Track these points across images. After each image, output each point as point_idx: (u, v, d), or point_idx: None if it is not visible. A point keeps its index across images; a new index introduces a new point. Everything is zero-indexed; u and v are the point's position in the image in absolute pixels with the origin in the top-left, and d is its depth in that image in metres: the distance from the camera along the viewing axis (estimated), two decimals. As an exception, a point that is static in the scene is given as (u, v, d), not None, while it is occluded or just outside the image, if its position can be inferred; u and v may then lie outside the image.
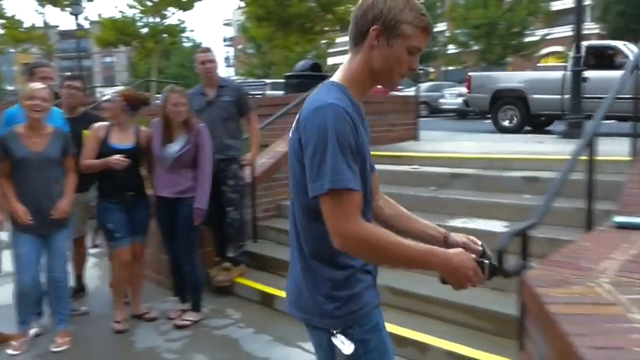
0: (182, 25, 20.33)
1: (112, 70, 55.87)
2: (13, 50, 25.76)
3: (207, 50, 4.24)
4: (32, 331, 3.51)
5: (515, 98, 9.80)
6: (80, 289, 4.31)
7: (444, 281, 1.37)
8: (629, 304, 1.59)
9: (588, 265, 1.99)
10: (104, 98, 3.72)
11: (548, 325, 1.55)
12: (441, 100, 17.69)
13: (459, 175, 4.75)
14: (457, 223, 4.03)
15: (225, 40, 60.38)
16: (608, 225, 2.66)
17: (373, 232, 1.30)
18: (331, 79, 1.44)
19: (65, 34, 40.68)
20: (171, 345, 3.42)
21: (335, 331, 1.42)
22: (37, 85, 3.36)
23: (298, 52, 15.54)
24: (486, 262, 1.39)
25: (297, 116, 1.39)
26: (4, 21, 22.03)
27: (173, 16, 19.48)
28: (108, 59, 56.64)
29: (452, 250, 1.37)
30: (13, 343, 3.35)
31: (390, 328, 3.16)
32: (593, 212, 3.03)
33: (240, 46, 41.97)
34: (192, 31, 22.96)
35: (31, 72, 3.70)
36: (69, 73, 4.71)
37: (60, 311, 3.45)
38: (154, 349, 3.36)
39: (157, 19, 19.05)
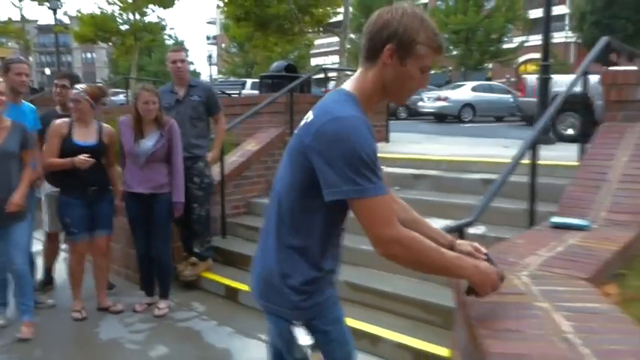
0: (162, 23, 20.27)
1: (92, 66, 55.24)
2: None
3: (179, 49, 4.34)
4: None
5: (578, 104, 8.52)
6: (48, 282, 4.38)
7: (468, 292, 1.45)
8: (538, 293, 1.76)
9: (515, 260, 2.17)
10: (72, 97, 3.74)
11: (463, 312, 1.71)
12: (420, 104, 17.93)
13: (420, 176, 4.92)
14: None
15: (208, 38, 60.19)
16: (545, 225, 2.85)
17: (413, 237, 1.34)
18: (345, 88, 1.45)
19: (44, 29, 40.12)
20: (135, 336, 3.52)
21: (298, 322, 1.48)
22: None
23: (279, 53, 15.67)
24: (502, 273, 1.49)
25: (307, 120, 1.42)
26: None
27: (153, 13, 19.42)
28: (88, 55, 55.99)
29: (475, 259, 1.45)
30: None
31: (346, 321, 3.36)
32: (535, 213, 3.22)
33: (223, 45, 41.92)
34: (172, 28, 23.11)
35: (6, 67, 3.76)
36: (65, 71, 4.74)
37: (24, 302, 3.52)
38: (117, 340, 3.46)
39: (137, 17, 18.99)
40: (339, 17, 11.54)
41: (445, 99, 17.00)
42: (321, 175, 1.34)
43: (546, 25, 7.71)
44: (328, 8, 11.59)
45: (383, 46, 1.38)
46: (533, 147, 3.18)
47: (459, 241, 1.63)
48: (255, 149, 5.63)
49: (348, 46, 34.68)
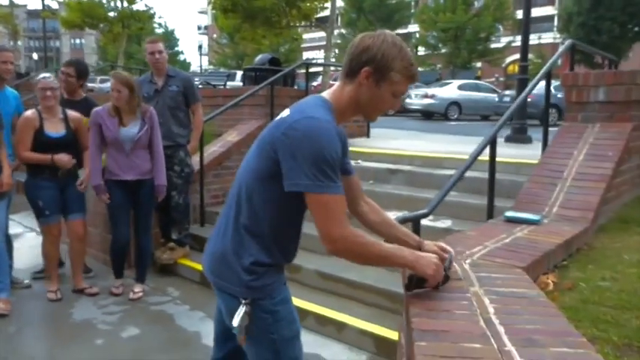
0: (151, 12, 20.19)
1: (81, 52, 54.63)
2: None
3: (156, 40, 4.40)
4: None
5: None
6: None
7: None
8: (474, 280, 1.91)
9: (462, 250, 2.32)
10: (41, 84, 3.81)
11: (405, 297, 1.85)
12: (408, 100, 18.06)
13: (395, 171, 5.07)
14: (390, 214, 4.36)
15: (199, 28, 59.82)
16: (500, 219, 3.01)
17: (357, 235, 1.48)
18: (324, 95, 1.59)
19: (33, 14, 39.67)
20: (108, 318, 3.64)
21: (244, 301, 1.59)
22: None
23: (268, 46, 15.72)
24: (447, 274, 1.69)
25: (283, 115, 1.53)
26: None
27: (141, 2, 19.36)
28: (77, 41, 55.41)
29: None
30: None
31: (315, 308, 3.51)
32: (495, 208, 3.38)
33: (215, 36, 41.74)
34: (160, 17, 23.08)
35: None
36: (72, 59, 4.78)
37: (0, 280, 3.62)
38: (90, 321, 3.57)
39: (125, 4, 18.90)
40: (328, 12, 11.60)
41: (432, 96, 17.17)
42: (285, 166, 1.46)
43: (525, 26, 7.89)
44: (316, 2, 11.65)
45: (361, 68, 1.52)
46: (492, 144, 3.33)
47: (427, 242, 1.78)
48: (235, 140, 5.74)
49: (338, 41, 34.76)
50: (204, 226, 5.14)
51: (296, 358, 1.70)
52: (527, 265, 2.14)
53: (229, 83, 13.48)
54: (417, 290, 1.70)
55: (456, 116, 17.04)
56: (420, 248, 1.77)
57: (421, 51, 29.56)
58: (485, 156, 3.52)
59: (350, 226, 1.50)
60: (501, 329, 1.47)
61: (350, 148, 6.24)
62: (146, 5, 19.80)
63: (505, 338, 1.41)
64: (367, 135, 7.37)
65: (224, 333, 1.74)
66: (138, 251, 4.08)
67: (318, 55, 39.01)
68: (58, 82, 3.91)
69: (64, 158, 3.70)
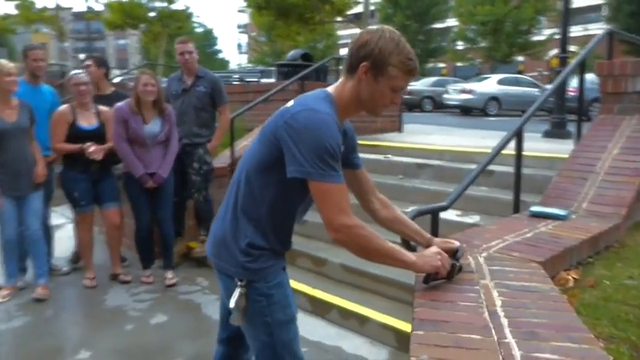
0: (189, 11, 20.61)
1: (124, 52, 56.33)
2: (22, 30, 26.26)
3: (186, 41, 4.48)
4: (18, 284, 3.92)
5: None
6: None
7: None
8: (486, 272, 1.89)
9: (479, 243, 2.28)
10: (74, 80, 3.98)
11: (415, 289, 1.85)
12: (445, 96, 17.78)
13: (424, 166, 5.02)
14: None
15: (239, 27, 60.54)
16: (525, 214, 2.95)
17: (361, 227, 1.52)
18: (328, 90, 1.63)
19: (78, 16, 41.14)
20: (138, 305, 3.77)
21: (240, 282, 1.67)
22: (9, 64, 3.68)
23: (303, 42, 15.75)
24: (456, 264, 1.72)
25: (287, 105, 1.58)
26: (17, 2, 22.50)
27: (180, 1, 19.77)
28: (121, 42, 57.06)
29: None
30: (0, 292, 3.74)
31: (338, 301, 3.53)
32: (523, 203, 3.30)
33: (254, 34, 42.21)
34: (198, 16, 23.53)
35: (25, 54, 4.03)
36: (92, 53, 5.02)
37: (39, 266, 3.85)
38: (121, 307, 3.71)
39: (164, 4, 19.37)
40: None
41: (470, 92, 16.81)
42: (288, 153, 1.51)
43: (565, 15, 7.63)
44: (348, -1, 11.63)
45: (359, 63, 1.54)
46: (519, 137, 3.25)
47: (436, 240, 1.81)
48: (265, 135, 5.80)
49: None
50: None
51: (289, 341, 1.74)
52: (546, 260, 2.10)
53: (264, 80, 13.65)
54: (433, 282, 1.70)
55: (495, 111, 16.63)
56: (428, 245, 1.79)
57: (459, 45, 28.98)
58: (514, 150, 3.46)
59: (353, 217, 1.53)
60: (505, 322, 1.45)
61: (380, 143, 6.26)
62: (185, 5, 20.21)
63: (507, 331, 1.39)
64: (399, 130, 7.31)
65: (228, 314, 1.80)
66: (161, 240, 4.23)
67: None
68: (89, 77, 4.06)
69: (90, 147, 3.84)
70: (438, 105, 18.53)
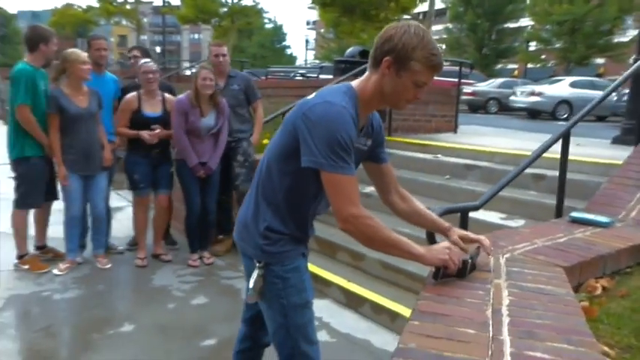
0: (258, 7, 21.12)
1: (198, 46, 58.52)
2: (104, 23, 27.96)
3: (221, 44, 4.72)
4: (77, 259, 4.25)
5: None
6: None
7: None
8: (503, 273, 1.86)
9: (504, 245, 2.24)
10: (144, 69, 4.24)
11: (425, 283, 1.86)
12: (512, 98, 17.15)
13: (472, 167, 4.92)
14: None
15: (308, 23, 61.21)
16: (565, 219, 2.84)
17: (369, 217, 1.56)
18: (351, 84, 1.67)
19: (157, 10, 43.20)
20: (182, 286, 3.98)
21: (259, 264, 1.76)
22: (83, 53, 3.99)
23: (367, 40, 15.67)
24: (469, 260, 1.72)
25: (308, 97, 1.63)
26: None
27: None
28: (195, 36, 59.30)
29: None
30: (60, 265, 4.07)
31: (372, 296, 3.56)
32: (564, 208, 3.19)
33: (322, 30, 42.57)
34: (267, 12, 24.05)
35: (88, 44, 4.35)
36: (136, 44, 5.39)
37: (98, 239, 4.22)
38: (166, 287, 3.93)
39: (235, 0, 19.97)
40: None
41: (539, 94, 16.11)
42: (303, 143, 1.57)
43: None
44: (414, -5, 11.48)
45: (383, 58, 1.56)
46: (565, 141, 3.14)
47: (455, 229, 1.83)
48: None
49: (445, 36, 33.72)
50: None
51: (304, 325, 1.80)
52: (572, 266, 2.03)
53: (323, 76, 13.77)
54: (444, 279, 1.71)
55: (565, 116, 15.82)
56: (447, 234, 1.82)
57: (532, 46, 27.77)
58: (571, 155, 3.32)
59: (362, 208, 1.58)
60: (506, 320, 1.44)
61: (431, 143, 6.19)
62: (254, 1, 20.75)
63: (505, 328, 1.39)
64: (454, 130, 7.19)
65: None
66: (207, 222, 4.46)
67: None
68: (157, 66, 4.32)
69: (145, 135, 4.09)
70: (504, 107, 17.90)
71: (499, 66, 31.14)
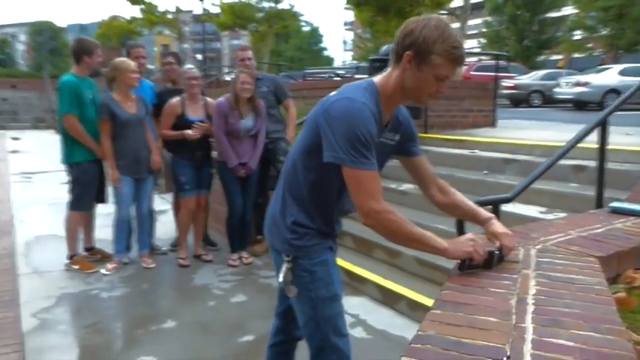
0: (294, 10, 21.32)
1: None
2: (147, 32, 28.87)
3: (246, 48, 4.83)
4: (124, 259, 4.44)
5: None
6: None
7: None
8: (532, 263, 1.83)
9: (537, 236, 2.20)
10: (187, 75, 4.39)
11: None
12: (556, 90, 16.60)
13: (511, 161, 4.82)
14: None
15: (345, 24, 61.20)
16: (605, 210, 2.75)
17: (391, 212, 1.58)
18: (373, 80, 1.69)
19: (197, 18, 44.27)
20: (222, 285, 4.09)
21: (287, 258, 1.81)
22: (132, 62, 4.17)
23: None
24: (496, 252, 1.71)
25: (331, 94, 1.66)
26: (143, 6, 24.81)
27: (286, 1, 20.49)
28: (235, 42, 60.32)
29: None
30: (108, 265, 4.26)
31: (408, 293, 3.56)
32: (603, 199, 3.08)
33: (359, 31, 42.50)
34: (302, 15, 24.22)
35: (128, 52, 4.54)
36: (168, 50, 5.59)
37: (143, 239, 4.42)
38: (207, 286, 4.05)
39: (272, 4, 20.23)
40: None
41: (585, 84, 15.52)
42: (325, 139, 1.61)
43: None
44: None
45: (404, 52, 1.57)
46: (603, 129, 3.04)
47: (494, 222, 1.80)
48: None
49: (484, 30, 32.93)
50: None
51: (333, 317, 1.83)
52: (608, 256, 1.97)
53: (359, 76, 13.74)
54: (470, 271, 1.71)
55: (614, 106, 15.17)
56: (486, 224, 1.79)
57: (577, 35, 26.77)
58: (616, 145, 3.21)
59: (383, 202, 1.60)
60: (530, 309, 1.42)
61: (467, 138, 6.12)
62: (290, 4, 20.98)
63: (529, 317, 1.37)
64: (493, 125, 7.05)
65: (282, 289, 1.94)
66: (245, 223, 4.56)
67: (467, 45, 37.53)
68: (199, 72, 4.47)
69: (188, 132, 4.24)
70: (548, 100, 17.35)
71: (542, 57, 30.17)
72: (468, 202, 1.92)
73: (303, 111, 6.19)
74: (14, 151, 11.57)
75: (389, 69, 1.68)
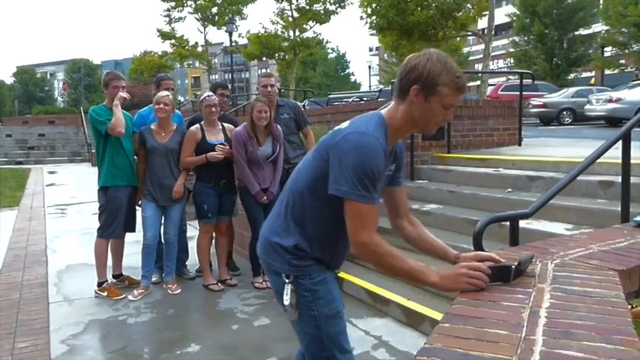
0: (319, 38, 21.71)
1: (265, 80, 60.61)
2: (179, 65, 29.86)
3: (269, 75, 4.90)
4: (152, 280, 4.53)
5: None
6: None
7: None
8: (549, 277, 1.79)
9: (556, 251, 2.15)
10: (206, 102, 4.52)
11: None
12: (587, 107, 16.29)
13: (535, 178, 4.74)
14: (522, 224, 4.10)
15: (370, 49, 61.81)
16: (630, 224, 2.68)
17: (379, 244, 1.64)
18: (381, 113, 1.73)
19: (226, 50, 45.55)
20: (246, 308, 4.11)
21: (287, 280, 1.81)
22: (163, 92, 4.33)
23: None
24: (513, 266, 1.70)
25: (342, 125, 1.70)
26: (174, 40, 25.73)
27: (311, 29, 20.90)
28: (263, 71, 61.62)
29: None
30: (135, 292, 4.34)
31: (431, 313, 3.52)
32: (629, 213, 3.00)
33: (386, 56, 42.88)
34: (328, 42, 24.64)
35: (158, 83, 4.72)
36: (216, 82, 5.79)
37: (169, 265, 4.48)
38: (231, 309, 4.08)
39: (297, 33, 20.65)
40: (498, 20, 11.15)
41: (617, 100, 15.18)
42: (332, 170, 1.65)
43: None
44: (472, 12, 11.34)
45: (410, 87, 1.64)
46: (626, 143, 2.97)
47: (464, 255, 1.81)
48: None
49: (511, 50, 32.71)
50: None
51: (336, 334, 1.83)
52: (629, 270, 1.91)
53: (381, 99, 13.80)
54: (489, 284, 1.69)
55: (649, 121, 14.73)
56: (455, 261, 1.79)
57: (607, 51, 26.31)
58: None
59: (375, 236, 1.64)
60: (542, 321, 1.39)
61: (491, 157, 6.05)
62: (314, 32, 21.46)
63: (539, 329, 1.34)
64: (518, 143, 6.96)
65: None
66: None
67: (493, 67, 37.37)
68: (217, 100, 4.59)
69: (212, 153, 4.33)
70: (580, 118, 17.03)
71: (572, 75, 29.73)
72: (438, 239, 1.94)
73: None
74: (50, 184, 12.00)
75: (392, 103, 1.73)
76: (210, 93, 4.62)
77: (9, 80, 70.80)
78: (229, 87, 5.29)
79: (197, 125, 4.47)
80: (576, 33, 28.72)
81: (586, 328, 1.35)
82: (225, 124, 4.57)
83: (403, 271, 1.67)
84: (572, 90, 18.76)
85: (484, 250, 2.40)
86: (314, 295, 1.80)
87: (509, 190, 4.79)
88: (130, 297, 4.30)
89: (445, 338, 1.32)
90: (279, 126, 4.47)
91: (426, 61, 1.62)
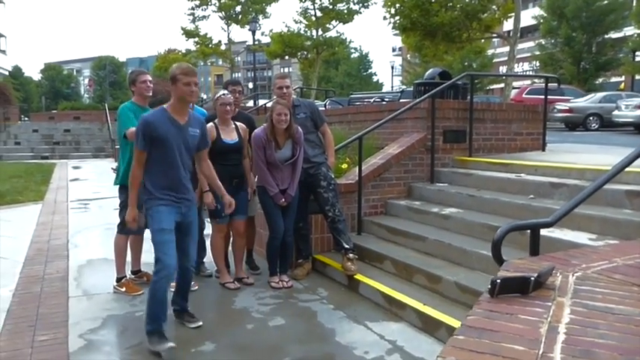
0: (342, 37, 21.69)
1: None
2: (202, 63, 30.10)
3: (284, 77, 4.85)
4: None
5: None
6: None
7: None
8: (569, 291, 1.75)
9: (577, 263, 2.10)
10: (221, 100, 4.52)
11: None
12: (615, 113, 15.92)
13: (559, 185, 4.63)
14: (543, 232, 4.01)
15: (394, 50, 61.48)
16: (657, 236, 2.60)
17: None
18: None
19: (249, 48, 45.79)
20: (262, 308, 4.10)
21: None
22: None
23: (451, 61, 15.47)
24: (532, 278, 1.68)
25: None
26: (197, 39, 25.96)
27: (334, 29, 20.87)
28: (285, 69, 61.82)
29: None
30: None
31: (448, 320, 3.46)
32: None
33: (409, 56, 42.59)
34: (351, 42, 24.54)
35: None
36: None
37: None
38: (247, 309, 4.08)
39: (320, 32, 20.65)
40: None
41: (648, 107, 14.81)
42: None
43: None
44: (497, 14, 11.18)
45: None
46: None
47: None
48: (395, 152, 5.88)
49: (537, 52, 32.12)
50: (361, 234, 5.39)
51: None
52: (653, 284, 1.86)
53: (403, 100, 13.66)
54: (502, 295, 1.66)
55: (681, 128, 14.36)
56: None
57: (639, 56, 25.64)
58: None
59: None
60: (561, 338, 1.36)
61: (514, 162, 5.93)
62: (337, 31, 21.44)
63: (558, 346, 1.31)
64: (542, 149, 6.82)
65: None
66: (286, 246, 4.61)
67: (518, 69, 36.81)
68: (232, 99, 4.59)
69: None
70: (607, 124, 16.65)
71: (600, 80, 29.08)
72: None
73: (347, 135, 6.23)
74: (74, 179, 12.20)
75: None
76: (225, 92, 4.58)
77: (37, 77, 72.37)
78: (241, 83, 5.28)
79: (212, 124, 4.49)
80: (606, 36, 28.08)
81: (608, 347, 1.31)
82: (238, 123, 4.56)
83: None
84: (600, 95, 18.36)
85: (502, 259, 2.36)
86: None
87: (532, 196, 4.69)
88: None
89: (459, 351, 1.29)
90: (299, 127, 4.45)
91: None
